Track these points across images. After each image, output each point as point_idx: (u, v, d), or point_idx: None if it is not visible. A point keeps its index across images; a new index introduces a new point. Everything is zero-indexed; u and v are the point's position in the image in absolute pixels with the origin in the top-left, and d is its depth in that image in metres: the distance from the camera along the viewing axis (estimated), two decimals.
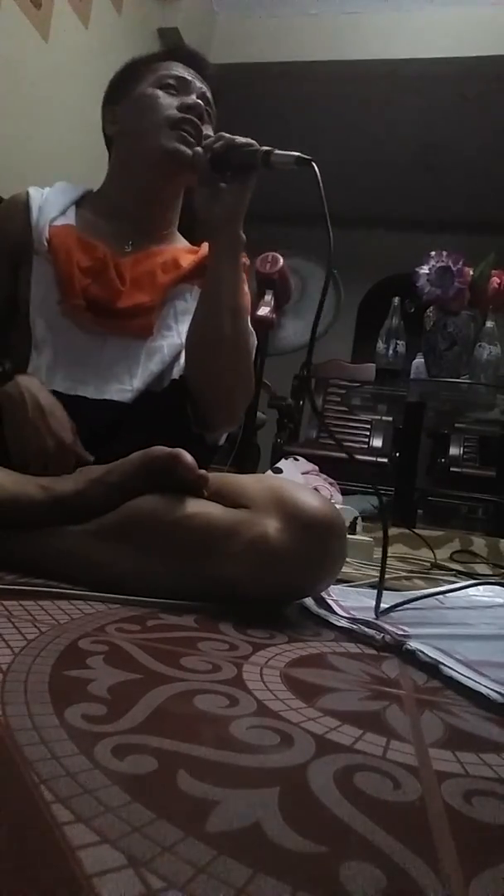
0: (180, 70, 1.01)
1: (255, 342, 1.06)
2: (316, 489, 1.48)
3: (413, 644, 0.61)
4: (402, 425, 2.47)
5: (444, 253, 1.86)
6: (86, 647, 0.50)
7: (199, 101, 0.99)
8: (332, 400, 3.51)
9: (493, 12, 3.01)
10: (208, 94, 1.03)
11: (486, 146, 3.79)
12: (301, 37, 3.25)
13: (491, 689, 0.50)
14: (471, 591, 0.95)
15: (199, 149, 0.90)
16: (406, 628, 0.66)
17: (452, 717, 0.46)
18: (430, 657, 0.57)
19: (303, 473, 1.69)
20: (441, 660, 0.56)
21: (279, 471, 1.65)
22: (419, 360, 2.02)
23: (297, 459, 1.80)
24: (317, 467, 1.82)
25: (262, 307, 1.48)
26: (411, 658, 0.59)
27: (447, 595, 0.89)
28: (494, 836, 0.31)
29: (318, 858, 0.26)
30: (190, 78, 1.01)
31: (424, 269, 1.85)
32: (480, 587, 1.00)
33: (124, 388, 0.92)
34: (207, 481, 0.74)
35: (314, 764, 0.35)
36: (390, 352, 2.02)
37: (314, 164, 0.81)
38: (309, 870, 0.26)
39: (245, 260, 1.07)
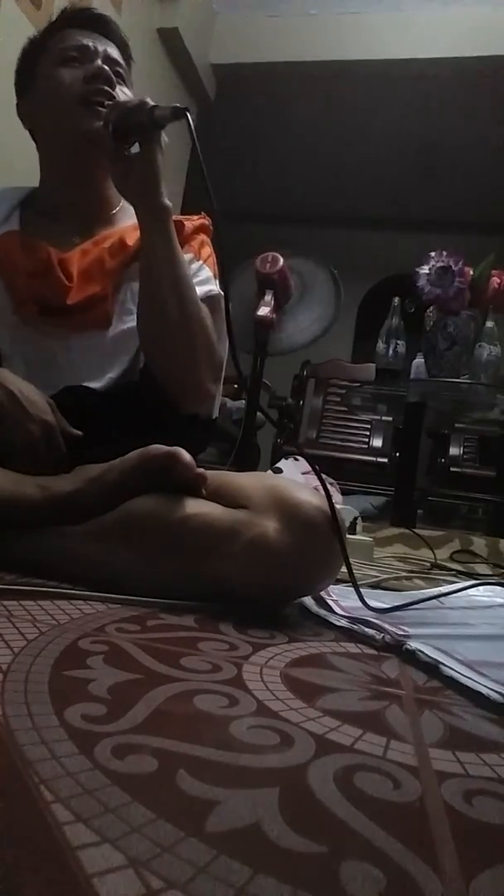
0: (77, 37, 0.95)
1: (221, 304, 0.98)
2: (316, 489, 1.48)
3: (413, 644, 0.61)
4: (402, 425, 2.47)
5: (444, 253, 1.86)
6: (86, 647, 0.50)
7: (104, 67, 0.92)
8: (332, 400, 3.52)
9: (493, 12, 3.00)
10: (113, 54, 0.96)
11: (485, 146, 3.79)
12: (301, 37, 3.25)
13: (491, 689, 0.50)
14: (471, 591, 0.95)
15: (99, 123, 0.87)
16: (406, 628, 0.66)
17: (452, 717, 0.46)
18: (430, 657, 0.57)
19: (303, 473, 1.68)
20: (441, 660, 0.56)
21: (279, 471, 1.65)
22: (419, 360, 2.02)
23: (297, 459, 1.80)
24: (317, 467, 1.82)
25: (262, 307, 1.47)
26: (411, 658, 0.59)
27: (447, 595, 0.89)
28: (494, 836, 0.31)
29: (318, 858, 0.26)
30: (90, 43, 0.94)
31: (424, 269, 1.85)
32: (480, 587, 1.00)
33: (98, 380, 0.90)
34: (206, 480, 0.74)
35: (314, 764, 0.35)
36: (390, 352, 2.03)
37: (187, 114, 0.82)
38: (309, 870, 0.26)
39: (203, 220, 1.02)
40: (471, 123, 3.64)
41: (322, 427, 3.49)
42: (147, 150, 0.84)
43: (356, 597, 0.72)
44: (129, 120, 0.83)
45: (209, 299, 0.93)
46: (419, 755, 0.38)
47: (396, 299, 2.06)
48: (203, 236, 1.01)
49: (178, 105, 0.82)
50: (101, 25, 0.98)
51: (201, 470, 0.73)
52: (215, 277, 0.99)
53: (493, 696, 0.49)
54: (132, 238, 0.95)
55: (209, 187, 0.80)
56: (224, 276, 0.90)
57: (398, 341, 2.03)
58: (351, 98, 3.56)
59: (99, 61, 0.93)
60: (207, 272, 0.98)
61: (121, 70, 0.97)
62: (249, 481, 0.76)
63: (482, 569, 1.47)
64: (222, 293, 0.96)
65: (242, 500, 0.71)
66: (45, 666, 0.44)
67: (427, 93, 3.42)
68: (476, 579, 1.20)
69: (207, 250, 1.01)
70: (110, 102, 0.89)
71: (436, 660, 0.57)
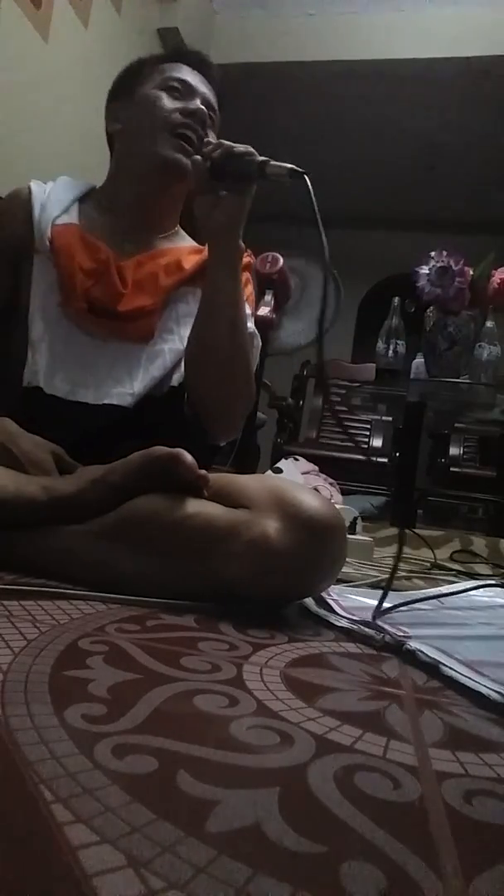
0: (186, 73, 0.99)
1: (259, 344, 1.04)
2: (316, 489, 1.48)
3: (413, 644, 0.61)
4: (402, 425, 2.47)
5: (444, 253, 1.86)
6: (86, 647, 0.50)
7: (202, 108, 0.96)
8: (332, 400, 3.51)
9: (493, 12, 3.01)
10: (212, 100, 1.00)
11: (486, 146, 3.80)
12: (301, 37, 3.25)
13: (491, 689, 0.50)
14: (470, 591, 0.95)
15: (198, 157, 0.88)
16: (406, 628, 0.66)
17: (452, 717, 0.46)
18: (430, 657, 0.57)
19: (303, 473, 1.69)
20: (441, 660, 0.56)
21: (279, 471, 1.65)
22: (419, 360, 2.02)
23: (297, 459, 1.80)
24: (317, 467, 1.82)
25: (262, 307, 1.48)
26: (411, 658, 0.59)
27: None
28: (494, 836, 0.31)
29: (318, 858, 0.26)
30: (195, 83, 0.99)
31: (424, 269, 1.85)
32: (480, 588, 0.99)
33: (124, 391, 0.91)
34: (208, 481, 0.74)
35: (314, 764, 0.35)
36: (390, 352, 2.03)
37: (306, 178, 0.80)
38: (309, 870, 0.26)
39: (249, 259, 1.05)
40: (471, 123, 3.64)
41: (322, 427, 3.49)
42: (241, 194, 0.86)
43: (356, 597, 0.72)
44: (231, 163, 0.85)
45: (248, 336, 0.96)
46: (419, 755, 0.38)
47: (396, 299, 2.06)
48: (247, 274, 1.04)
49: (295, 167, 0.81)
50: (207, 70, 1.03)
51: (203, 471, 0.73)
52: (252, 316, 1.02)
53: (493, 696, 0.49)
54: (189, 262, 0.99)
55: (325, 250, 0.75)
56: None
57: (398, 341, 2.03)
58: (351, 98, 3.57)
59: (198, 101, 0.97)
60: (248, 310, 1.00)
61: (213, 116, 1.00)
62: (250, 482, 0.76)
63: (482, 569, 1.47)
64: (257, 333, 1.02)
65: (243, 500, 0.71)
66: (45, 666, 0.44)
67: (427, 93, 3.43)
68: (476, 579, 1.20)
69: (249, 289, 1.04)
70: (208, 140, 0.92)
71: (436, 660, 0.57)
